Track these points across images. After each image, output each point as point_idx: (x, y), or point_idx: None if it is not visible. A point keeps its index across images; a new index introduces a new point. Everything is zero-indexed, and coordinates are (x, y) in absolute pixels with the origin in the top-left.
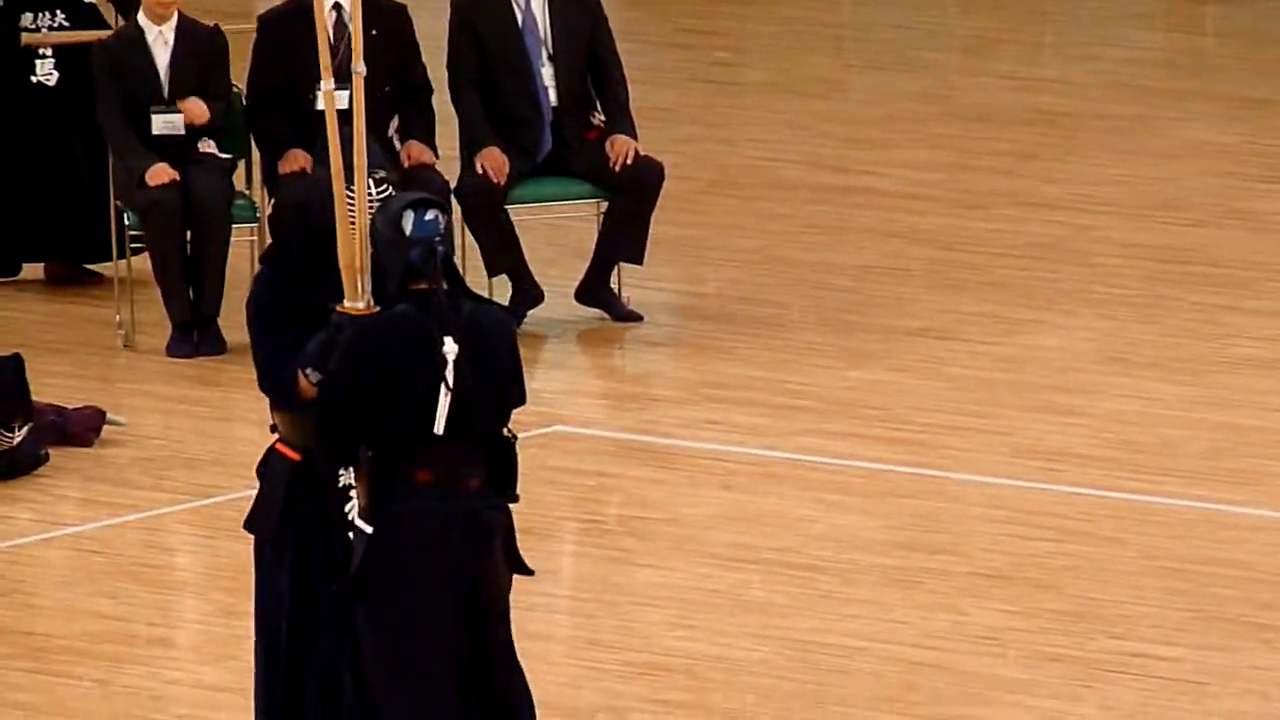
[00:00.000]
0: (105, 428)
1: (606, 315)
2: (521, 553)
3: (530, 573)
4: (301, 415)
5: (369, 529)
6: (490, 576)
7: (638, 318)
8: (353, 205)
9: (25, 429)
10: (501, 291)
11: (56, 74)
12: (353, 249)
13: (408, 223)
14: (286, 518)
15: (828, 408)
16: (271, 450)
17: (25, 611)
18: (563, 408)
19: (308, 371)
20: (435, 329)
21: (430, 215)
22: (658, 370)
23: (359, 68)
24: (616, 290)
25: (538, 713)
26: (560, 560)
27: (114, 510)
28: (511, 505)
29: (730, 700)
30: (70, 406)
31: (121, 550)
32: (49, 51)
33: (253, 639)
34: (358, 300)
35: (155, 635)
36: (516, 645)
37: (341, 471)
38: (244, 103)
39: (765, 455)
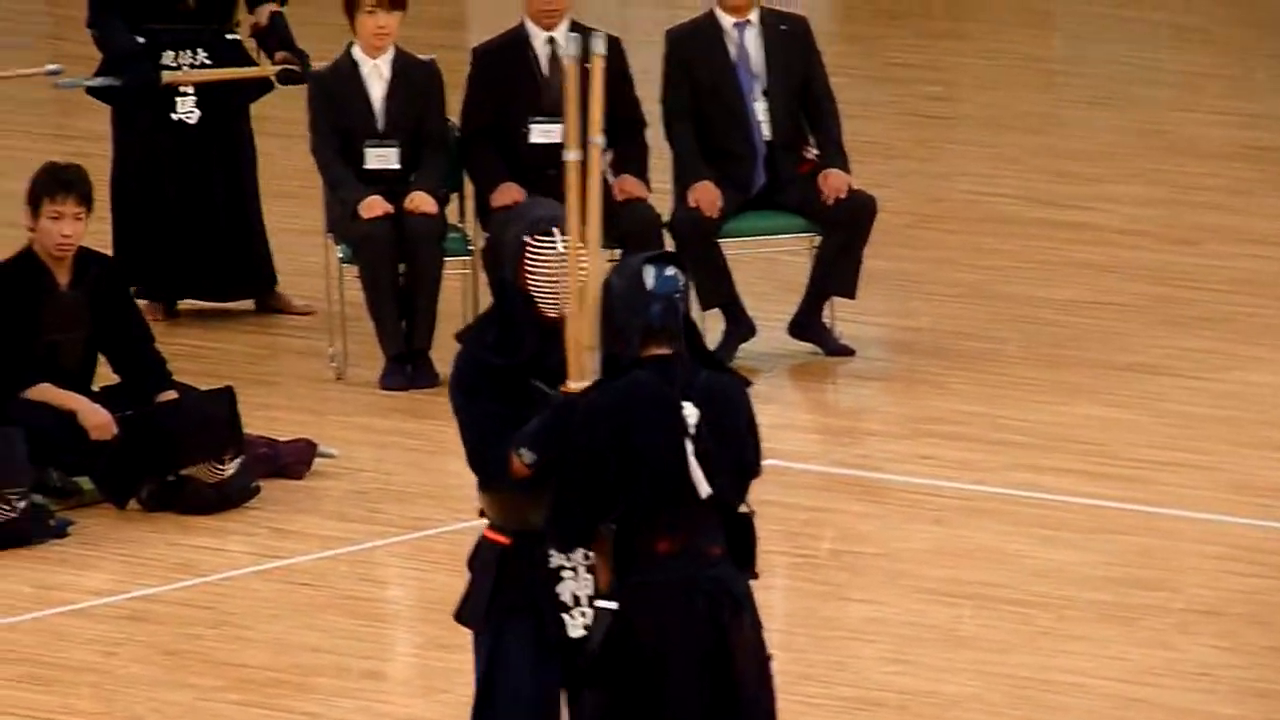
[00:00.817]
0: (317, 460)
1: (819, 349)
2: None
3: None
4: (510, 496)
5: (613, 605)
6: (743, 646)
7: (850, 352)
8: (580, 268)
9: (237, 461)
10: (715, 324)
11: (197, 112)
12: (580, 326)
13: (649, 277)
14: (494, 605)
15: (1041, 443)
16: (481, 540)
17: (236, 644)
18: (775, 442)
19: (521, 452)
20: (675, 393)
21: (670, 271)
22: (870, 405)
23: (597, 138)
24: (829, 324)
25: None
26: (772, 595)
27: (325, 543)
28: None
29: None
30: (282, 439)
31: (333, 583)
32: (190, 89)
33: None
34: (583, 380)
35: (367, 668)
36: None
37: (551, 553)
38: (457, 136)
39: (978, 490)
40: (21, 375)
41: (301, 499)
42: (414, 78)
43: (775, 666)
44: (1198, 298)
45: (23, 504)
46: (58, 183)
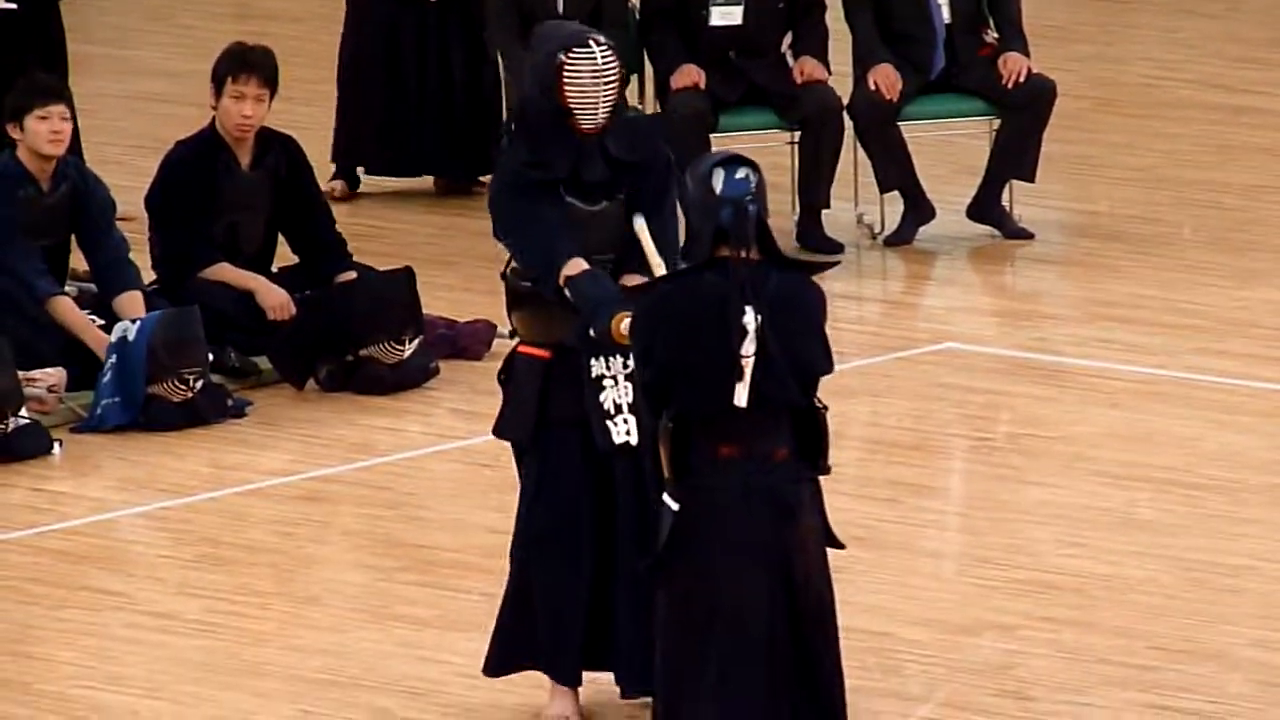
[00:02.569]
0: (495, 340)
1: (997, 232)
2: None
3: (841, 546)
4: (548, 310)
5: (674, 505)
6: (799, 555)
7: (1029, 235)
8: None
9: (416, 341)
10: (894, 207)
11: None
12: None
13: (718, 181)
14: (542, 418)
15: (1218, 326)
16: (514, 355)
17: (414, 524)
18: (954, 324)
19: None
20: (737, 298)
21: (741, 173)
22: (1048, 288)
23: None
24: (1008, 207)
25: (928, 629)
26: (949, 478)
27: None
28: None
29: (1119, 618)
30: (461, 319)
31: (510, 464)
32: None
33: None
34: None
35: None
36: (904, 562)
37: (593, 361)
38: (637, 19)
39: (1155, 374)
40: (200, 254)
41: (480, 379)
42: None
43: (954, 550)
44: None
45: (200, 384)
46: (242, 63)
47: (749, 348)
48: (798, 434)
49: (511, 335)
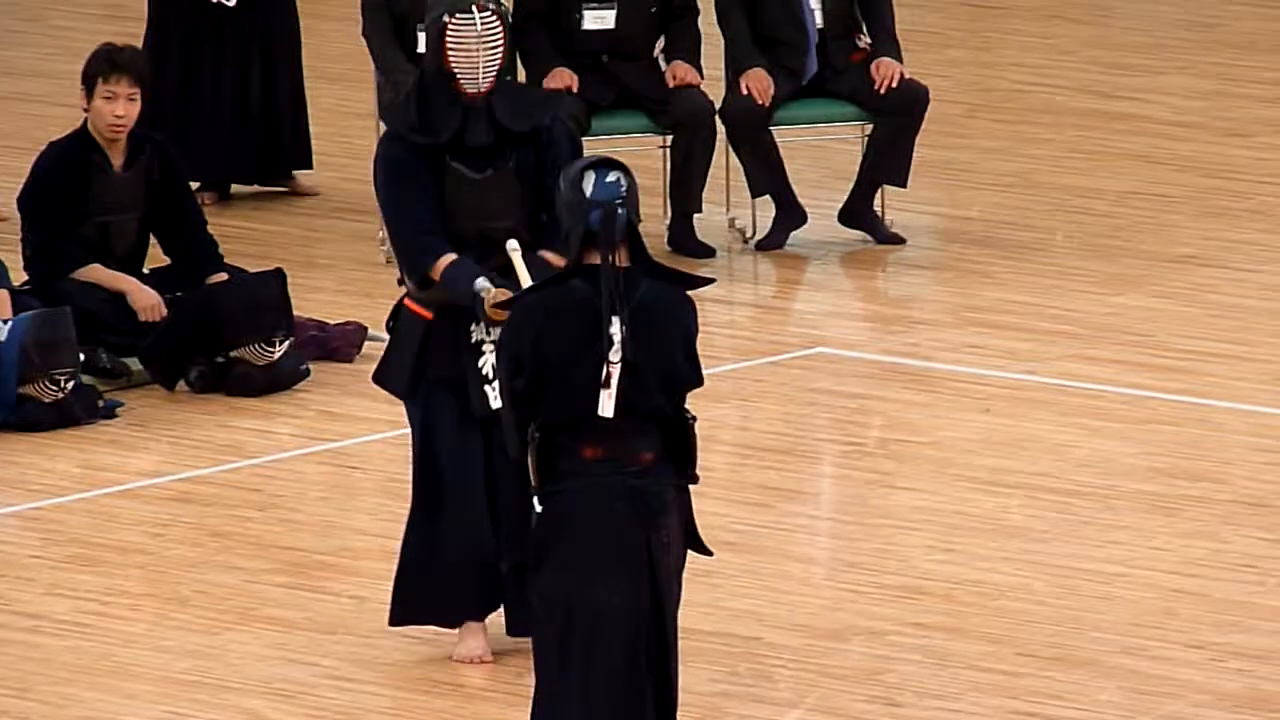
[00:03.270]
0: (366, 343)
1: (869, 238)
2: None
3: (709, 553)
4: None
5: (539, 507)
6: (661, 553)
7: (900, 240)
8: None
9: (287, 343)
10: (765, 212)
11: None
12: None
13: (588, 184)
14: (419, 375)
15: (1089, 333)
16: (401, 306)
17: (284, 526)
18: (825, 329)
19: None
20: (605, 306)
21: (612, 177)
22: (919, 293)
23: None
24: (879, 213)
25: (797, 634)
26: (820, 482)
27: (373, 426)
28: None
29: (989, 624)
30: (331, 322)
31: (380, 466)
32: None
33: None
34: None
35: None
36: (774, 567)
37: (473, 327)
38: (510, 21)
39: (1026, 380)
40: (72, 255)
41: (350, 382)
42: None
43: (824, 555)
44: (1247, 190)
45: (71, 385)
46: (112, 64)
47: (615, 356)
48: (666, 440)
49: (400, 282)
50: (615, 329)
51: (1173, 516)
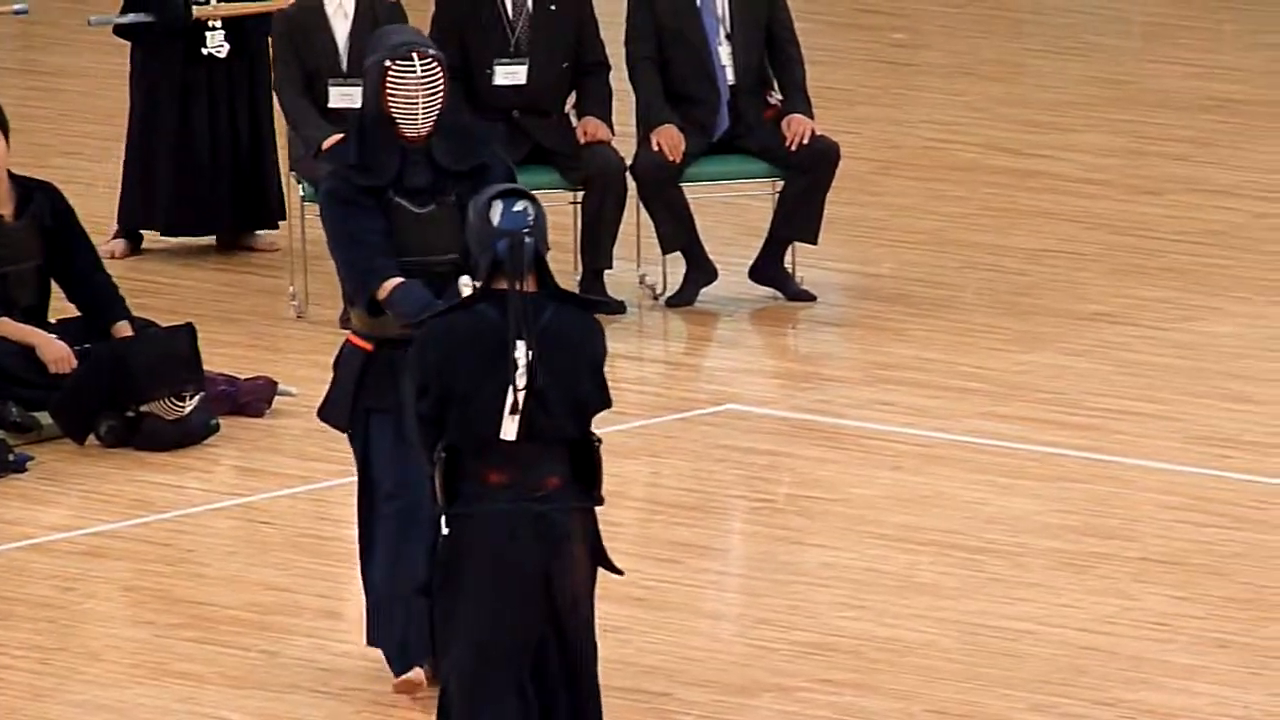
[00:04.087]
0: (277, 398)
1: (780, 294)
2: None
3: (620, 573)
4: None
5: (445, 530)
6: (563, 578)
7: (811, 297)
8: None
9: (197, 398)
10: (676, 268)
11: (227, 46)
12: None
13: (496, 213)
14: (358, 406)
15: (1000, 390)
16: (345, 344)
17: (194, 581)
18: (735, 386)
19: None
20: (510, 331)
21: (520, 206)
22: (830, 350)
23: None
24: (790, 269)
25: (707, 690)
26: (730, 539)
27: (284, 481)
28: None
29: (898, 681)
30: (242, 376)
31: (291, 521)
32: (219, 24)
33: None
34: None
35: (324, 607)
36: (684, 623)
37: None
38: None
39: (936, 437)
40: None
41: (261, 437)
42: (378, 17)
43: (734, 611)
44: (1159, 248)
45: None
46: None
47: (520, 381)
48: (572, 463)
49: (343, 324)
50: (520, 353)
51: (1082, 574)
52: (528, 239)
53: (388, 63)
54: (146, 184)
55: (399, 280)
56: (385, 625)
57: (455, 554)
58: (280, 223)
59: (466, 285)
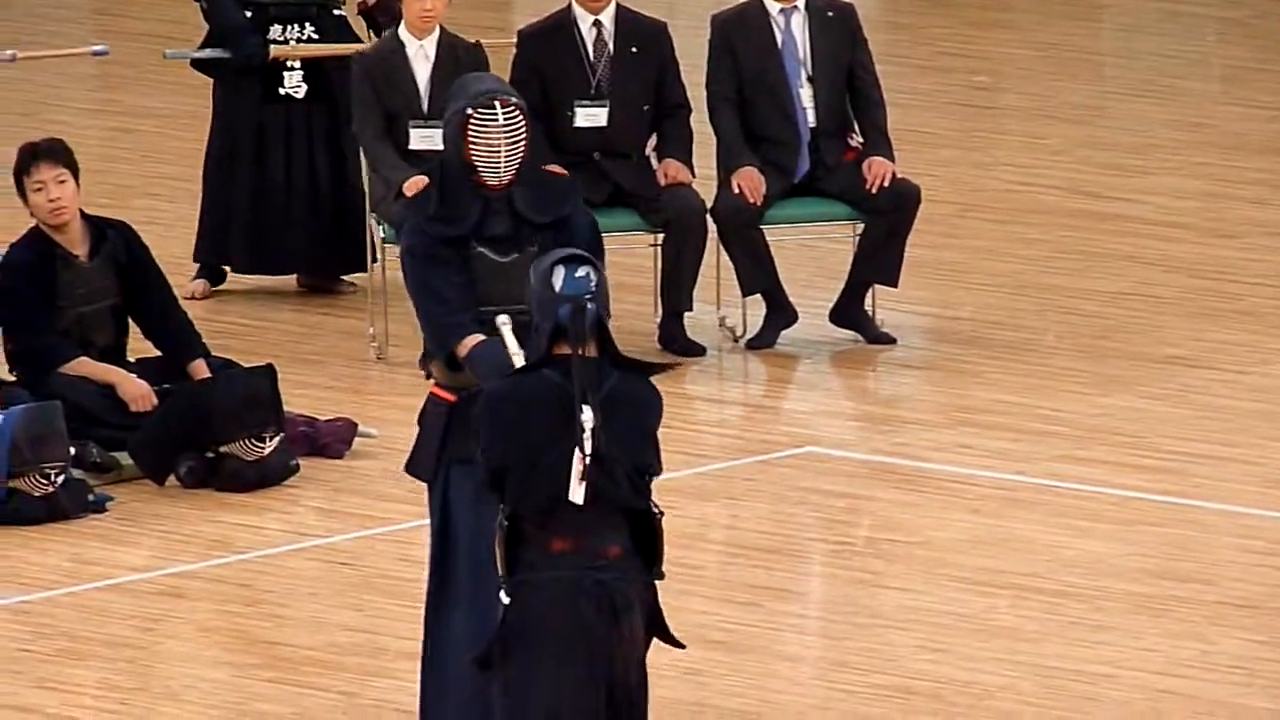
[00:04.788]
0: (356, 440)
1: (860, 337)
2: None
3: (681, 646)
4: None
5: (506, 599)
6: (621, 650)
7: (891, 340)
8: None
9: (277, 439)
10: (756, 310)
11: (304, 86)
12: None
13: (558, 278)
14: (442, 457)
15: (1079, 434)
16: (429, 397)
17: (273, 622)
18: (815, 429)
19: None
20: (576, 396)
21: (582, 272)
22: (910, 393)
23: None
24: (870, 312)
25: None
26: (810, 582)
27: (363, 522)
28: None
29: None
30: (322, 418)
31: (370, 562)
32: (297, 64)
33: None
34: None
35: (403, 648)
36: (763, 666)
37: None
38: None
39: (1015, 480)
40: (58, 351)
41: (340, 478)
42: (459, 59)
43: (813, 654)
44: (1237, 291)
45: (61, 478)
46: (27, 156)
47: (586, 446)
48: (634, 535)
49: (427, 376)
50: (587, 417)
51: (1161, 617)
52: (590, 305)
53: (470, 111)
54: (224, 222)
55: (478, 338)
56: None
57: (517, 623)
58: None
59: (505, 323)
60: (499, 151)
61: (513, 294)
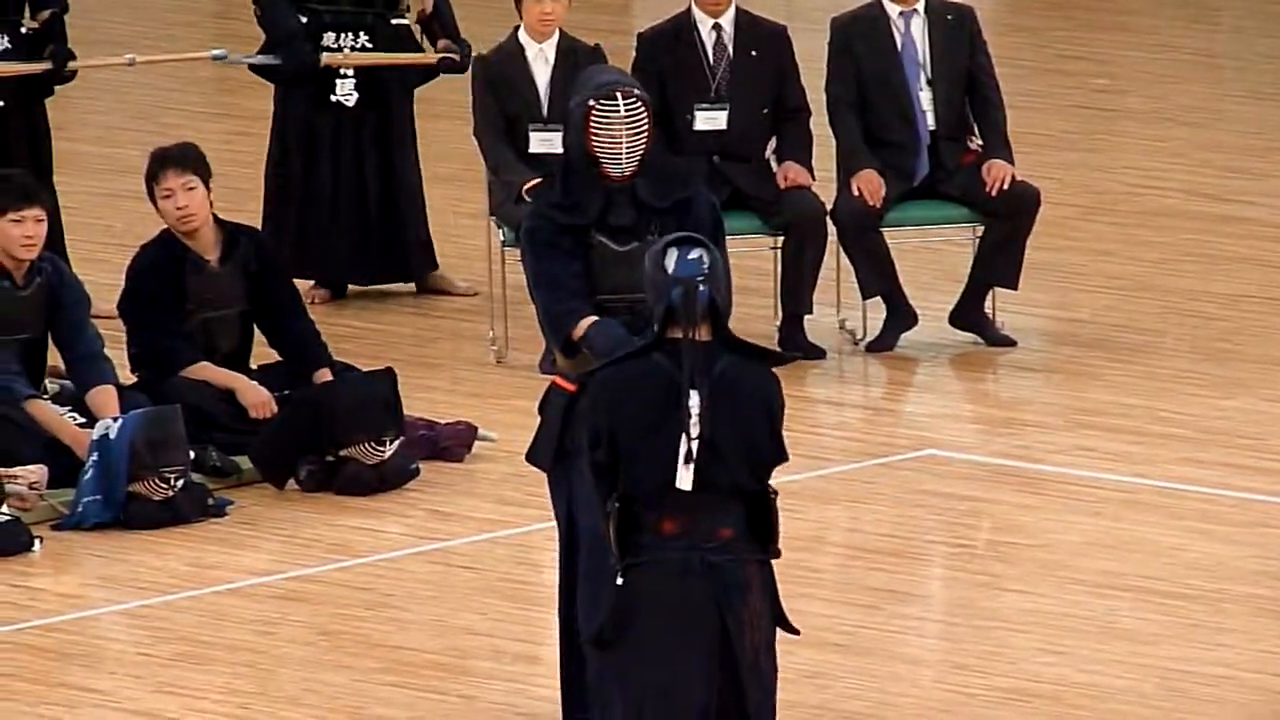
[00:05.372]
0: (476, 443)
1: (980, 339)
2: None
3: (796, 632)
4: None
5: (619, 579)
6: (741, 631)
7: (1011, 342)
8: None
9: (397, 443)
10: (876, 313)
11: (356, 95)
12: None
13: (670, 260)
14: (563, 447)
15: (1200, 436)
16: (551, 387)
17: (393, 625)
18: (935, 431)
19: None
20: (684, 380)
21: (695, 254)
22: (1030, 395)
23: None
24: (990, 314)
25: None
26: (930, 584)
27: (483, 526)
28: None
29: None
30: (442, 421)
31: (491, 566)
32: (350, 71)
33: None
34: None
35: (523, 652)
36: (884, 669)
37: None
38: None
39: (1136, 483)
40: (180, 354)
41: (460, 481)
42: (579, 62)
43: (933, 657)
44: None
45: (181, 483)
46: (156, 163)
47: (694, 430)
48: (749, 516)
49: (551, 367)
50: (694, 402)
51: None
52: (702, 287)
53: (592, 102)
54: (279, 226)
55: (592, 319)
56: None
57: (629, 604)
58: (432, 273)
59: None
60: (620, 142)
61: (633, 282)
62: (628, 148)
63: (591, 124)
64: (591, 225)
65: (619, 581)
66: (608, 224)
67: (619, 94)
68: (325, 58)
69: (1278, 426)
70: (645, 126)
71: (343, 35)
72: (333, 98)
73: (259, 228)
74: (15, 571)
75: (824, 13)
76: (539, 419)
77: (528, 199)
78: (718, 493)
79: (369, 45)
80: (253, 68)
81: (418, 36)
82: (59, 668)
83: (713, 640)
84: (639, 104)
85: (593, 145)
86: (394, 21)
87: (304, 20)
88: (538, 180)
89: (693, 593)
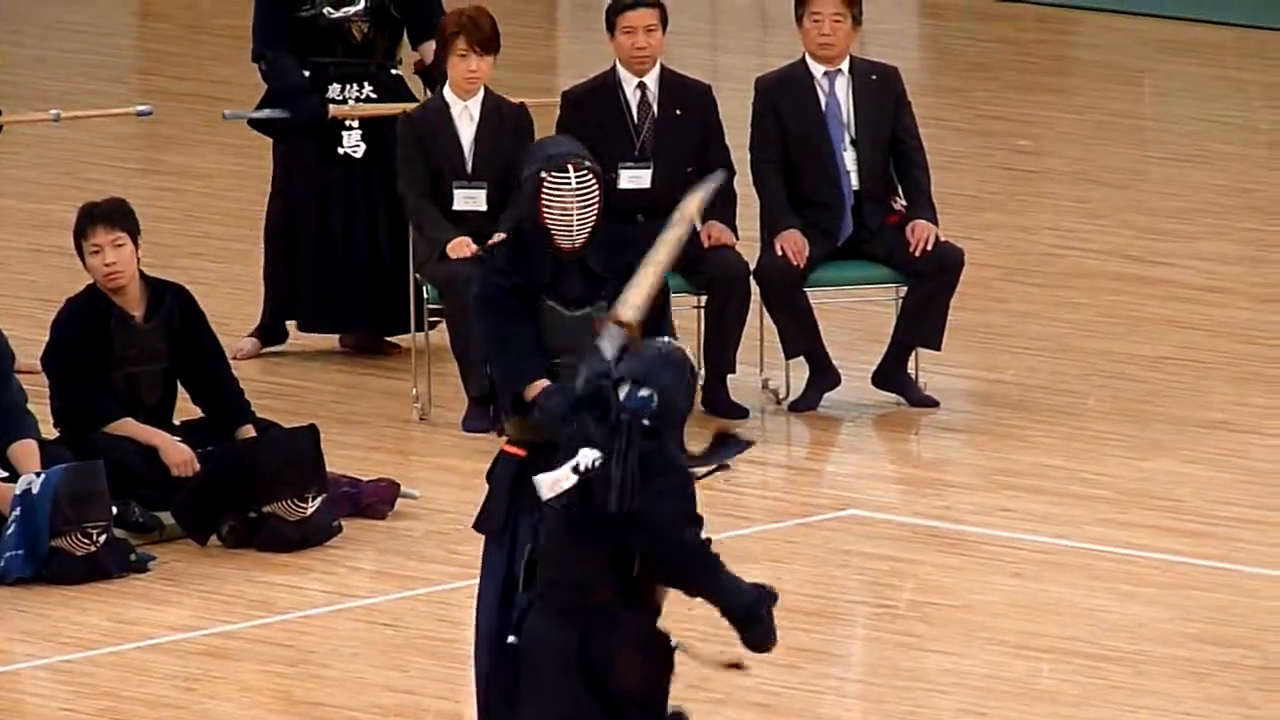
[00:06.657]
0: (399, 500)
1: (903, 400)
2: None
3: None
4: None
5: (512, 639)
6: (620, 667)
7: (934, 403)
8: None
9: (319, 500)
10: (799, 373)
11: (363, 146)
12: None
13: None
14: (512, 512)
15: (1121, 498)
16: (500, 454)
17: (315, 682)
18: (857, 491)
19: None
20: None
21: (645, 393)
22: (952, 456)
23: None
24: (913, 375)
25: None
26: (851, 644)
27: (405, 583)
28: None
29: None
30: (365, 478)
31: (412, 623)
32: (356, 123)
33: None
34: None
35: (445, 709)
36: None
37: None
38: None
39: (1057, 544)
40: (103, 410)
41: (383, 539)
42: (504, 120)
43: (854, 717)
44: None
45: (103, 538)
46: (85, 219)
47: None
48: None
49: (500, 434)
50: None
51: (1204, 682)
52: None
53: (543, 174)
54: (289, 282)
55: (545, 383)
56: None
57: (521, 652)
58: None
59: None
60: (571, 215)
61: (580, 346)
62: (579, 220)
63: (543, 196)
64: (541, 291)
65: (511, 640)
66: (558, 292)
67: (570, 166)
68: (332, 110)
69: (1199, 488)
70: (595, 199)
71: (347, 86)
72: (340, 150)
73: (186, 288)
74: None
75: (749, 72)
76: (487, 486)
77: (451, 256)
78: (598, 548)
79: (373, 96)
80: (254, 122)
81: (418, 85)
82: None
83: (575, 668)
84: (590, 175)
85: (544, 217)
86: (393, 72)
87: (308, 74)
88: (461, 239)
89: (571, 635)
